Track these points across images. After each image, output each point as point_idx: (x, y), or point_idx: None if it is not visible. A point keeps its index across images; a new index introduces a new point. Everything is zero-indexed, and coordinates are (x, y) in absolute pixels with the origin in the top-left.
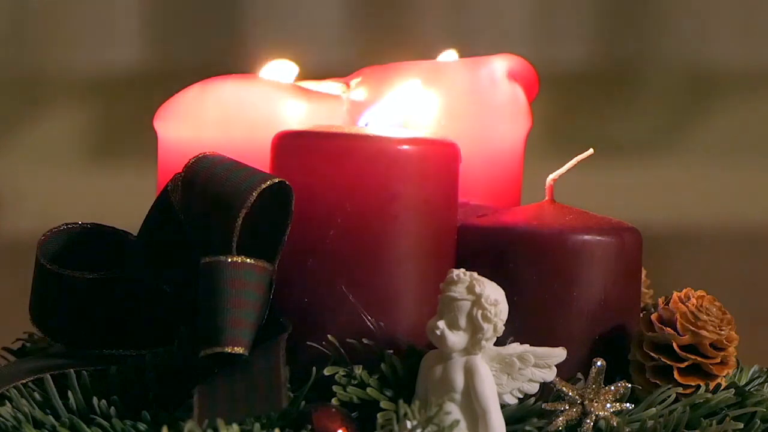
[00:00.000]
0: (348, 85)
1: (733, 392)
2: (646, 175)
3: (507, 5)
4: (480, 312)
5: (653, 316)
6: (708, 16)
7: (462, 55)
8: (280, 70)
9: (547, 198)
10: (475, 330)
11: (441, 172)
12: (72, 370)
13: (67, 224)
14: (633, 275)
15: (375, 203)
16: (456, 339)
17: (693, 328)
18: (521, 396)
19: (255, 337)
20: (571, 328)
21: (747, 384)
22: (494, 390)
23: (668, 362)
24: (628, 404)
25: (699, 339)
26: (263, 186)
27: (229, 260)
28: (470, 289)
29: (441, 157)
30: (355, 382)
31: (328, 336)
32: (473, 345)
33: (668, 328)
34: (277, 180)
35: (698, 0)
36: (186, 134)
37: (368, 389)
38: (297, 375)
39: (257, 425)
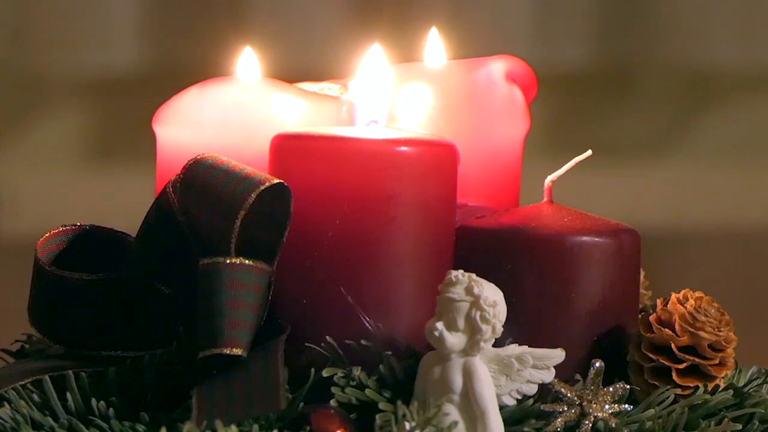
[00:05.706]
0: (346, 87)
1: (732, 393)
2: (644, 176)
3: (507, 5)
4: (478, 313)
5: (652, 317)
6: (708, 16)
7: (462, 55)
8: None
9: (545, 199)
10: (473, 331)
11: (439, 174)
12: (71, 372)
13: (65, 226)
14: (631, 276)
15: (373, 204)
16: (454, 340)
17: (691, 329)
18: (520, 397)
19: (253, 338)
20: (570, 330)
21: (745, 385)
22: (493, 391)
23: (667, 363)
24: (626, 405)
25: (697, 340)
26: (262, 187)
27: (228, 261)
28: (469, 290)
29: (439, 158)
30: (354, 383)
31: (327, 337)
32: (472, 346)
33: (667, 330)
34: (275, 181)
35: (698, 0)
36: (185, 136)
37: (367, 390)
38: (295, 376)
39: (256, 426)
